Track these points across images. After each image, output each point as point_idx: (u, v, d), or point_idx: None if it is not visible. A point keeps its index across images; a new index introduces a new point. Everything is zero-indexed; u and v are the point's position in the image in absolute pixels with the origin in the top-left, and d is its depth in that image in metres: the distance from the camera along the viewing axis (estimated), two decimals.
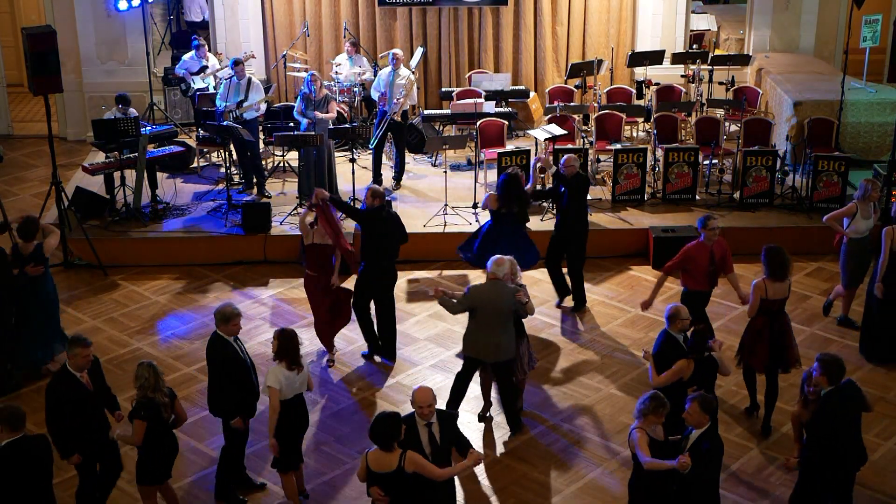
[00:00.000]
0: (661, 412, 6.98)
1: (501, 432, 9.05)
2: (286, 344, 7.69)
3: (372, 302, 10.10)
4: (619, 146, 13.44)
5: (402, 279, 11.34)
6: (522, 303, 8.71)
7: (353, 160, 12.84)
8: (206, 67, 14.57)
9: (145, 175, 12.66)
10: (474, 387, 9.20)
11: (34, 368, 9.87)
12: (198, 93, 14.41)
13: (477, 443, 8.87)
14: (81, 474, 7.76)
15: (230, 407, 7.88)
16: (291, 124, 13.34)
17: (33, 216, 9.97)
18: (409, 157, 14.22)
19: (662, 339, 8.10)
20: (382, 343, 10.21)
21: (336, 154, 13.45)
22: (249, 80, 13.17)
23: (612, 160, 13.11)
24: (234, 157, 13.63)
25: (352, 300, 10.03)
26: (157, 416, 7.28)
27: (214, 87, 14.39)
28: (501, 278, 8.64)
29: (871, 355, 10.20)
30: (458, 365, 9.62)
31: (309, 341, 10.31)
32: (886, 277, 9.87)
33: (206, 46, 14.83)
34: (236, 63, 13.17)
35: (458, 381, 9.07)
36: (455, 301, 8.76)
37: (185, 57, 14.79)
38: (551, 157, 12.27)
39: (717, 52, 16.46)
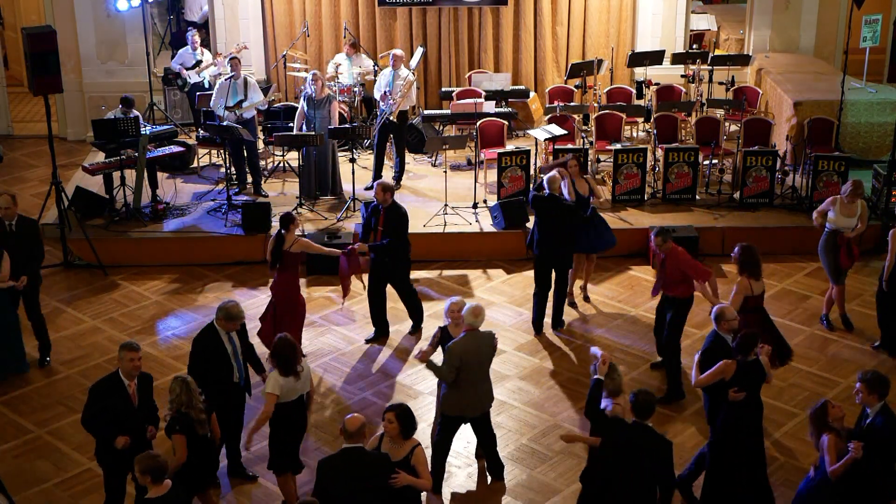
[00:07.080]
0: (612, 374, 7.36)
1: (502, 432, 9.04)
2: (278, 351, 7.62)
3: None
4: (619, 146, 13.44)
5: None
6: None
7: (353, 160, 12.84)
8: (201, 62, 14.55)
9: (145, 175, 12.68)
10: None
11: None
12: (197, 92, 14.39)
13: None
14: (109, 490, 7.55)
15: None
16: (291, 124, 13.33)
17: None
18: (409, 157, 14.22)
19: (712, 339, 8.06)
20: (411, 313, 10.67)
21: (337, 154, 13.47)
22: (246, 80, 13.16)
23: (612, 160, 13.11)
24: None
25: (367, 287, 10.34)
26: (192, 431, 7.18)
27: (210, 84, 14.40)
28: (477, 328, 8.02)
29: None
30: None
31: (309, 341, 10.33)
32: (893, 279, 9.89)
33: (199, 41, 14.80)
34: (230, 60, 13.18)
35: (441, 446, 8.22)
36: (443, 367, 7.98)
37: (181, 51, 14.79)
38: (550, 157, 12.16)
39: (717, 52, 16.45)
